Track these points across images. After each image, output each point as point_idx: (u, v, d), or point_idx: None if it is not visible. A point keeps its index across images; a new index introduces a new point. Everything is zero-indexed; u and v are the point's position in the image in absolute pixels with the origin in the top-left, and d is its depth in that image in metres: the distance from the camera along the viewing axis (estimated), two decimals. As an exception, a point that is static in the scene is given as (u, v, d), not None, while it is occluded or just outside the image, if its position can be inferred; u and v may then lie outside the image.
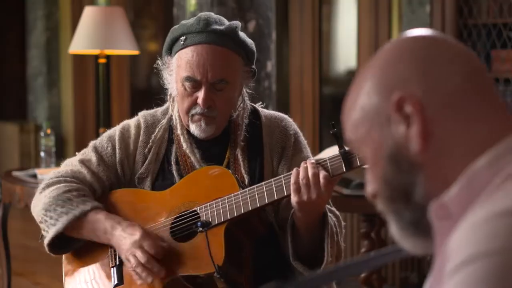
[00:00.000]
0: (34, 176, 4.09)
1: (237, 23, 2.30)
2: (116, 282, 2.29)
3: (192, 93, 2.26)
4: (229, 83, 2.26)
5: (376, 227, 3.93)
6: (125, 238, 2.22)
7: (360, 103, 1.12)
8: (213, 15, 2.29)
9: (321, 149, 5.07)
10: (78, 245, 2.35)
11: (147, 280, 2.19)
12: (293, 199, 2.12)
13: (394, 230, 1.12)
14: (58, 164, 4.57)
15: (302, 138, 2.40)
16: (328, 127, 5.61)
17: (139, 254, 2.18)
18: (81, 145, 7.34)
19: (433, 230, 1.07)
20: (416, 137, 1.06)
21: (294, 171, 2.13)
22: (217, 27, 2.25)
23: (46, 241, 2.31)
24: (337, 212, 2.32)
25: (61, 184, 2.32)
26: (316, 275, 1.31)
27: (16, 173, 4.17)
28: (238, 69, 2.28)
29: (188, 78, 2.24)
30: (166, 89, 2.38)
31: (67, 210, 2.27)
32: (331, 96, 5.67)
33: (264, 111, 2.42)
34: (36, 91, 7.74)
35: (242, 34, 2.30)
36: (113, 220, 2.26)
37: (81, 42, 4.28)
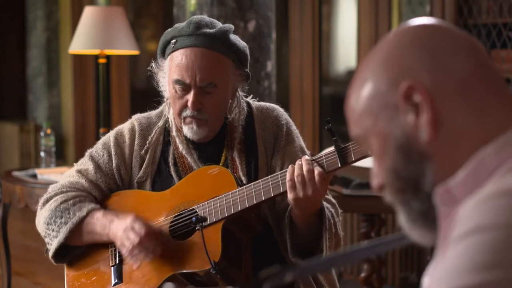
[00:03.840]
0: (34, 176, 4.09)
1: (229, 26, 2.30)
2: (116, 280, 2.32)
3: (182, 95, 2.27)
4: (217, 86, 2.26)
5: (376, 227, 3.93)
6: (119, 227, 2.25)
7: (366, 94, 1.11)
8: (205, 18, 2.30)
9: (321, 149, 5.07)
10: (81, 250, 2.39)
11: (147, 259, 2.22)
12: (289, 196, 2.13)
13: (403, 221, 1.12)
14: (58, 164, 4.58)
15: (294, 127, 2.41)
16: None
17: (132, 236, 2.21)
18: (81, 145, 7.37)
19: (438, 215, 1.07)
20: (425, 126, 1.06)
21: (289, 168, 2.14)
22: (208, 30, 2.25)
23: (50, 254, 2.35)
24: (333, 200, 2.33)
25: (58, 196, 2.36)
26: (314, 262, 1.31)
27: (16, 173, 4.17)
28: (228, 73, 2.29)
29: (177, 81, 2.26)
30: (159, 91, 2.39)
31: (65, 220, 2.31)
32: (331, 96, 5.67)
33: (255, 103, 2.43)
34: (36, 91, 7.74)
35: (233, 37, 2.30)
36: (110, 216, 2.29)
37: (81, 42, 4.28)
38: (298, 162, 2.14)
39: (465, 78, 1.07)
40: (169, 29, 2.32)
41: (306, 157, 2.16)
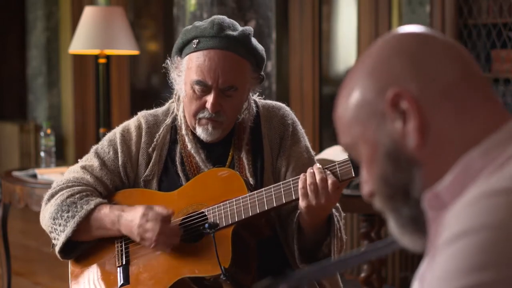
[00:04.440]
0: (34, 176, 4.09)
1: (249, 29, 2.29)
2: (122, 282, 2.29)
3: (201, 96, 2.26)
4: (238, 89, 2.25)
5: (376, 227, 3.93)
6: (131, 221, 2.23)
7: (353, 103, 1.11)
8: (226, 19, 2.28)
9: (321, 149, 5.07)
10: (87, 246, 2.36)
11: (174, 242, 2.21)
12: (301, 203, 2.12)
13: (393, 227, 1.13)
14: (58, 164, 4.58)
15: (300, 127, 2.39)
16: (329, 127, 5.62)
17: (149, 225, 2.20)
18: (81, 145, 7.37)
19: (427, 219, 1.07)
20: (413, 133, 1.06)
21: (301, 176, 2.13)
22: (231, 32, 2.24)
23: (57, 249, 2.32)
24: (337, 203, 2.32)
25: (64, 191, 2.32)
26: (309, 270, 1.31)
27: (16, 173, 4.17)
28: (247, 76, 2.28)
29: (198, 82, 2.24)
30: (172, 88, 2.37)
31: (73, 214, 2.27)
32: (331, 96, 5.67)
33: (261, 101, 2.42)
34: (36, 91, 7.75)
35: (253, 41, 2.29)
36: (117, 210, 2.27)
37: (81, 42, 4.28)
38: (310, 170, 2.12)
39: (451, 84, 1.07)
40: (189, 28, 2.30)
41: (319, 165, 2.14)
